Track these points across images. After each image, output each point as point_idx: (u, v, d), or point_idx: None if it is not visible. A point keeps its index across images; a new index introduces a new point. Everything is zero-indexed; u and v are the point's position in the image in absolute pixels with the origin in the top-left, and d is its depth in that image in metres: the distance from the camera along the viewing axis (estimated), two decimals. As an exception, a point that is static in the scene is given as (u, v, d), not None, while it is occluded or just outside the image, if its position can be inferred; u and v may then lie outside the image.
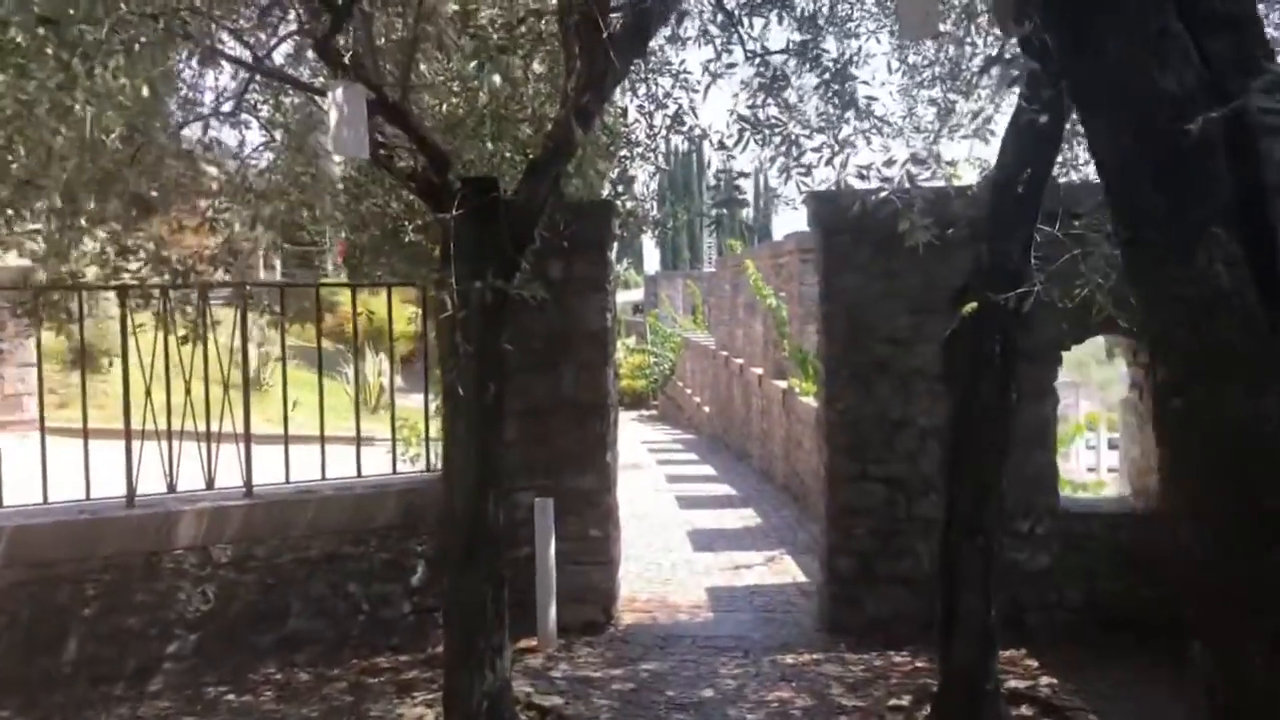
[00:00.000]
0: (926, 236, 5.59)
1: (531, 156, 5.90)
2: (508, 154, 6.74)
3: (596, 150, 7.14)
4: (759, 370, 14.95)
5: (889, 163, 5.54)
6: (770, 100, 5.60)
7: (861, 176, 5.33)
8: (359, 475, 7.24)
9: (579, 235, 7.33)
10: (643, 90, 6.68)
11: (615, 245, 7.96)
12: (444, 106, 6.39)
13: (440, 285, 5.13)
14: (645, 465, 15.76)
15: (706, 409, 20.56)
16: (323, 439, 7.07)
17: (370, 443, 8.08)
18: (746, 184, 5.71)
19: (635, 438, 20.58)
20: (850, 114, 5.78)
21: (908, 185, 5.59)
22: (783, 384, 13.27)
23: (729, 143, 5.59)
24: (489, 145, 6.51)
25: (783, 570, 9.30)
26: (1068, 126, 5.69)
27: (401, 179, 5.43)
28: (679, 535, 10.64)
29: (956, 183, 6.50)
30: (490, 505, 5.29)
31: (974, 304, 5.85)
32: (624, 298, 48.65)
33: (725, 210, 5.95)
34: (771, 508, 12.01)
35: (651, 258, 58.06)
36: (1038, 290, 5.49)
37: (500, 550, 5.43)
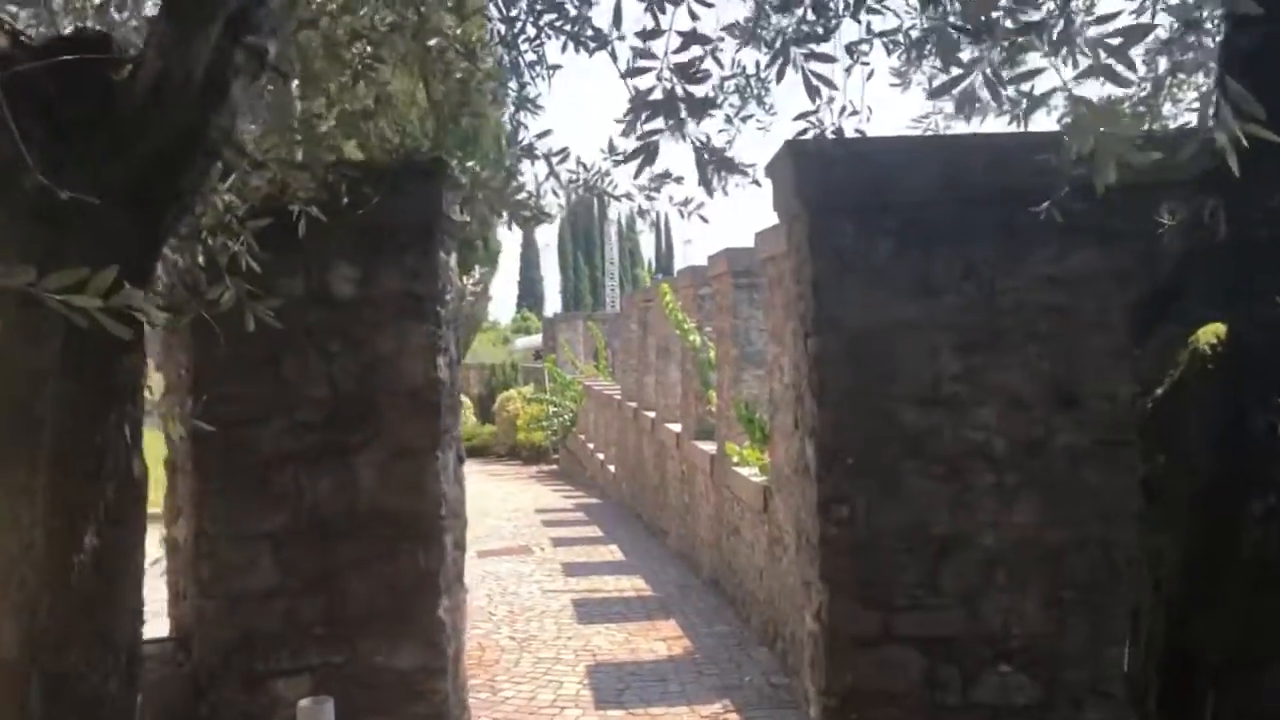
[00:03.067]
0: (1142, 161, 2.22)
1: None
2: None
3: (413, 53, 3.74)
4: (676, 428, 11.54)
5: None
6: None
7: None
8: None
9: (385, 221, 3.88)
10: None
11: (452, 242, 4.50)
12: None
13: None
14: (536, 546, 12.19)
15: (612, 469, 17.07)
16: None
17: None
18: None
19: (530, 502, 16.99)
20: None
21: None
22: (708, 447, 9.87)
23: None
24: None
25: (733, 749, 5.85)
26: None
27: None
28: (576, 675, 7.10)
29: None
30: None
31: (1213, 332, 2.53)
32: (525, 343, 45.12)
33: (640, 163, 2.73)
34: (701, 618, 8.54)
35: (553, 302, 54.70)
36: None
37: None
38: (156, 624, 4.32)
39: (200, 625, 4.08)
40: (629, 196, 4.55)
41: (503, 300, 58.27)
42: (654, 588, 9.75)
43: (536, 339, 37.13)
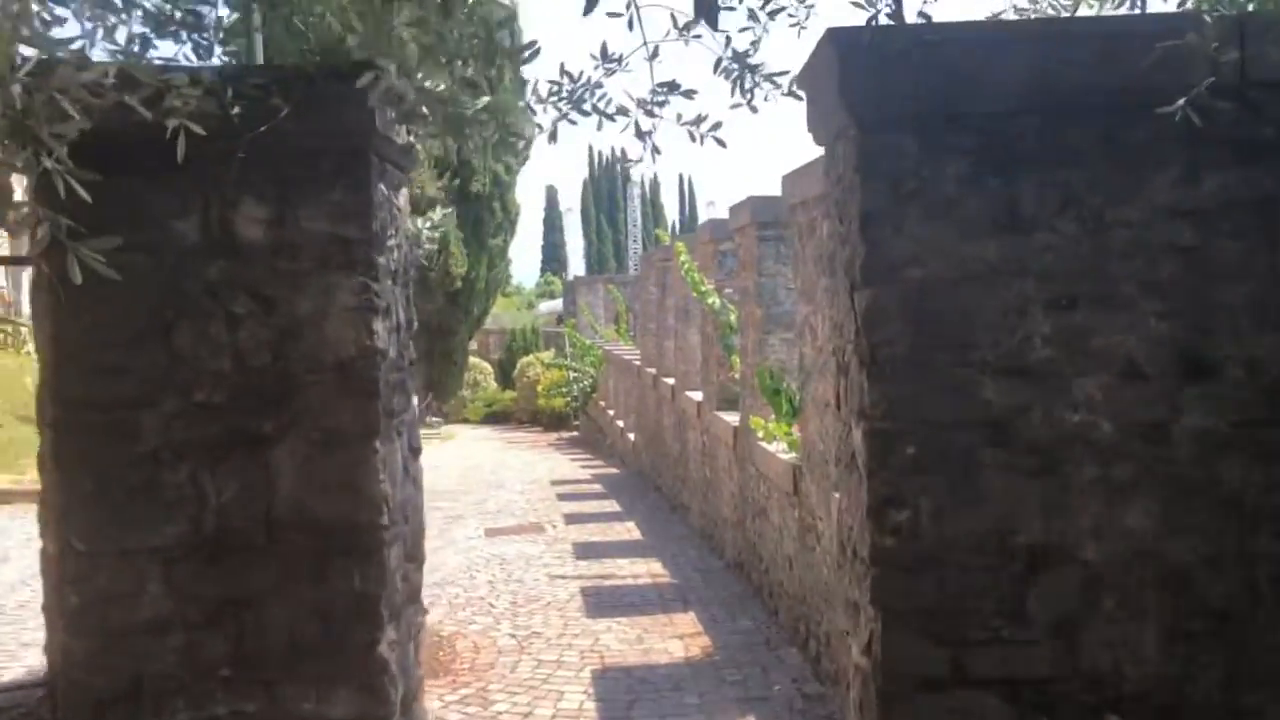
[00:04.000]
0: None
1: None
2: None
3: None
4: (696, 396, 10.53)
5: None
6: None
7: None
8: None
9: (303, 144, 2.88)
10: None
11: (398, 173, 3.48)
12: None
13: None
14: (549, 524, 11.25)
15: (631, 436, 16.11)
16: None
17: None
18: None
19: (547, 473, 16.08)
20: None
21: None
22: (731, 418, 8.86)
23: None
24: None
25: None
26: None
27: None
28: (580, 683, 6.15)
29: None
30: None
31: None
32: (548, 307, 44.14)
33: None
34: (723, 610, 7.57)
35: (577, 266, 53.65)
36: None
37: None
38: (33, 660, 3.40)
39: (67, 669, 3.14)
40: (624, 113, 3.52)
41: (527, 264, 57.28)
42: (672, 572, 8.78)
43: (559, 303, 36.22)
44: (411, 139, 3.35)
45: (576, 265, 53.26)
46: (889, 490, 3.18)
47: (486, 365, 31.17)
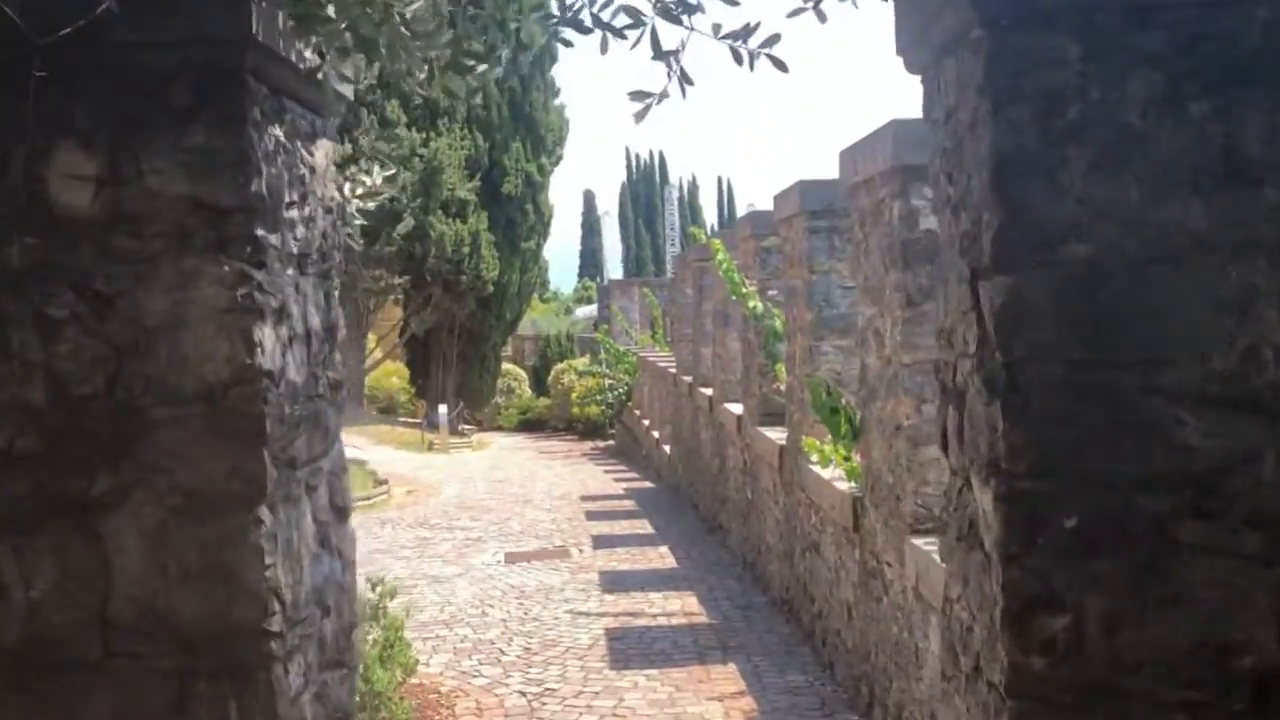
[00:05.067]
0: None
1: None
2: None
3: None
4: (736, 409, 9.39)
5: None
6: None
7: None
8: None
9: (145, 61, 1.74)
10: None
11: (302, 115, 2.37)
12: None
13: None
14: (575, 547, 10.15)
15: (667, 449, 14.99)
16: None
17: None
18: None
19: (578, 487, 15.00)
20: None
21: None
22: (776, 435, 7.72)
23: None
24: None
25: None
26: None
27: None
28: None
29: None
30: None
31: None
32: (585, 312, 43.07)
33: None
34: (768, 661, 6.43)
35: (615, 271, 52.61)
36: None
37: None
38: None
39: None
40: (638, 21, 2.40)
41: (565, 269, 56.39)
42: (709, 610, 7.65)
43: (595, 308, 35.21)
44: (312, 55, 2.27)
45: (614, 270, 52.18)
46: (1037, 585, 2.04)
47: (521, 372, 30.19)
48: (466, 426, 25.78)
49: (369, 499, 13.92)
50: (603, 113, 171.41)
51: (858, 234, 5.24)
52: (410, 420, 26.36)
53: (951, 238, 2.33)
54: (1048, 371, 2.02)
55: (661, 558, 9.53)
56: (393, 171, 2.82)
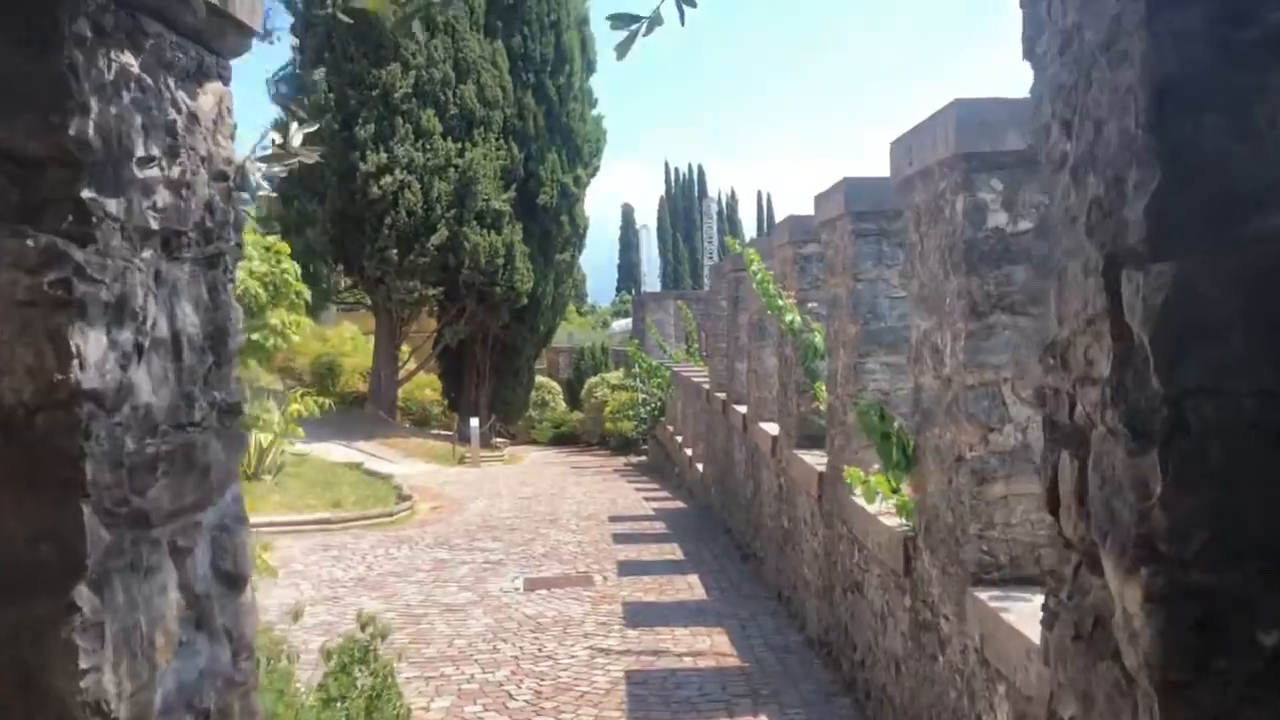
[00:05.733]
0: None
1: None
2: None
3: None
4: (772, 429, 8.68)
5: None
6: None
7: None
8: None
9: None
10: None
11: (166, 47, 1.71)
12: None
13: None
14: (599, 574, 9.46)
15: (700, 467, 14.28)
16: None
17: None
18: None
19: (607, 506, 14.32)
20: None
21: None
22: (814, 460, 7.01)
23: None
24: None
25: None
26: None
27: None
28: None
29: None
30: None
31: None
32: (621, 325, 42.43)
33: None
34: (803, 709, 5.70)
35: (653, 285, 51.96)
36: None
37: None
38: None
39: None
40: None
41: (603, 283, 55.84)
42: (740, 651, 6.92)
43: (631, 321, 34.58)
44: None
45: (652, 284, 51.58)
46: (1217, 731, 1.33)
47: (555, 385, 29.59)
48: (499, 440, 25.20)
49: (391, 515, 13.34)
50: (643, 125, 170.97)
51: (911, 235, 4.53)
52: (443, 433, 25.84)
53: (1069, 213, 1.64)
54: (1233, 407, 1.32)
55: (690, 588, 8.82)
56: (314, 127, 2.16)
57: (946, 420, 4.13)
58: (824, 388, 7.44)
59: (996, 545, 3.87)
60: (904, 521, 4.87)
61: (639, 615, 7.89)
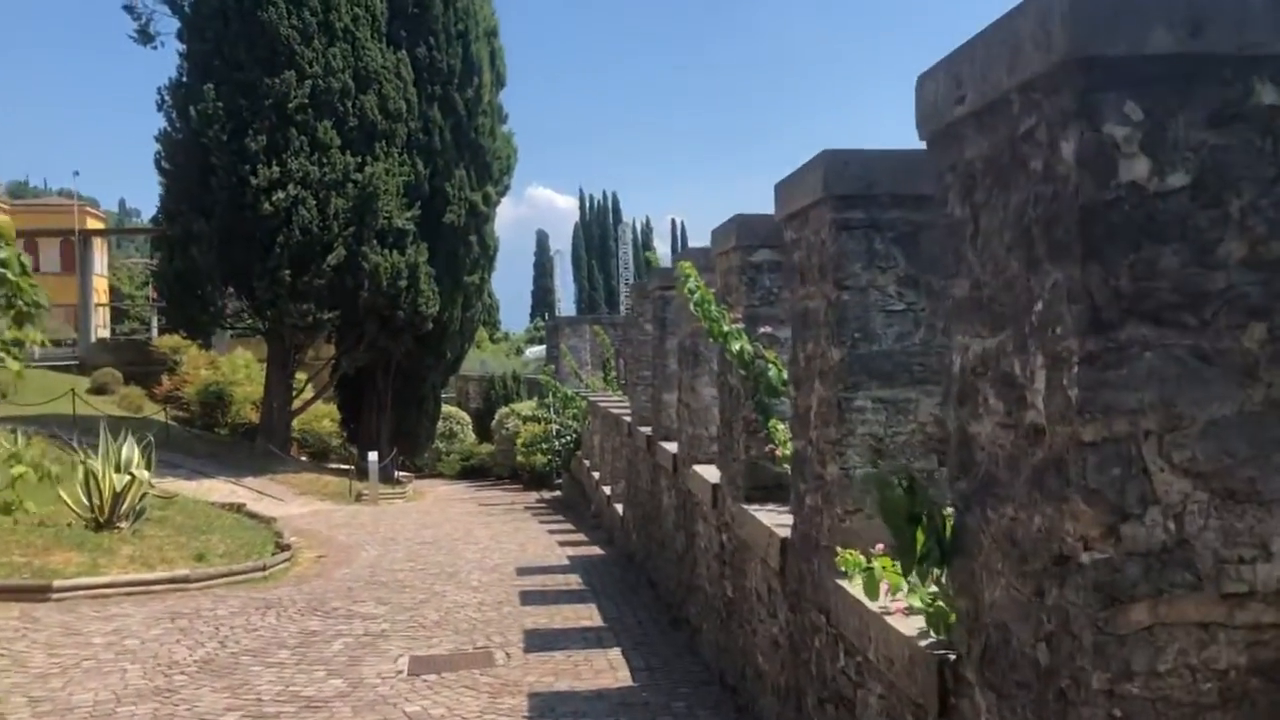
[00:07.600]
0: None
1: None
2: None
3: None
4: (710, 475, 7.06)
5: None
6: None
7: None
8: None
9: None
10: None
11: None
12: None
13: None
14: (501, 650, 7.71)
15: (620, 508, 12.63)
16: None
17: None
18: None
19: (516, 554, 12.58)
20: None
21: None
22: (776, 522, 5.42)
23: None
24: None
25: None
26: None
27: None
28: None
29: None
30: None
31: None
32: (535, 352, 40.65)
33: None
34: None
35: (568, 312, 50.32)
36: None
37: None
38: None
39: None
40: None
41: (518, 311, 53.99)
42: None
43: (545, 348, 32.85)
44: None
45: (568, 310, 50.01)
46: None
47: (464, 415, 27.69)
48: (402, 474, 23.20)
49: (264, 570, 11.36)
50: (558, 147, 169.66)
51: (956, 210, 2.96)
52: (342, 467, 23.73)
53: None
54: None
55: (612, 668, 7.12)
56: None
57: (1030, 491, 2.54)
58: (779, 426, 5.85)
59: (1136, 709, 2.29)
60: (932, 634, 3.27)
61: (548, 712, 6.17)
